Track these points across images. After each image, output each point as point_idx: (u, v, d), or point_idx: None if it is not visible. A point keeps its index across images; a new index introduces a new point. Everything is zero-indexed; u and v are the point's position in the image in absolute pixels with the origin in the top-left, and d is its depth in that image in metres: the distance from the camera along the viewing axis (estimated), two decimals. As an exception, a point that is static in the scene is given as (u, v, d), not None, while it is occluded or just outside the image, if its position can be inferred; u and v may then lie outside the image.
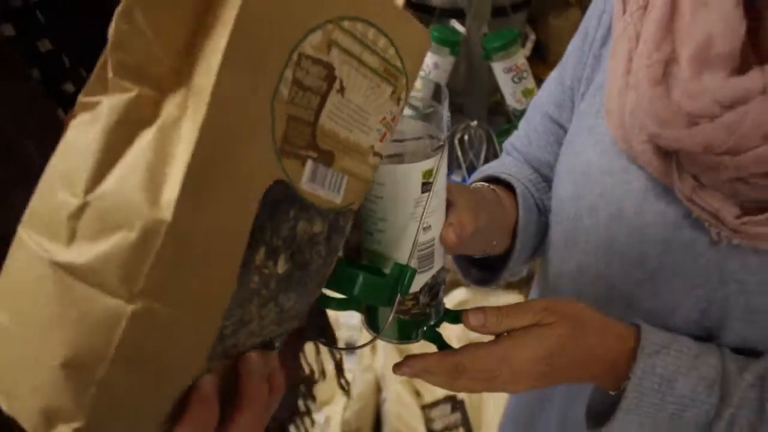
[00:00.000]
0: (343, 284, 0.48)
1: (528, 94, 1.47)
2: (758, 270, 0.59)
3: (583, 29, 0.76)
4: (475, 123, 1.56)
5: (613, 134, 0.66)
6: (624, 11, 0.66)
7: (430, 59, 1.47)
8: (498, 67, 1.47)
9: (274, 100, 0.34)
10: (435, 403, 1.57)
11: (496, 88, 1.54)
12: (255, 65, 0.32)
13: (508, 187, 0.76)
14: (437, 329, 0.58)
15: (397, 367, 0.55)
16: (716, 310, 0.61)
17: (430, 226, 0.52)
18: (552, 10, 1.64)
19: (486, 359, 0.55)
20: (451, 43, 1.46)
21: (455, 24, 1.51)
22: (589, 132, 0.71)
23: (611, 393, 0.61)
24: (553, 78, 0.82)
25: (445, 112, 0.52)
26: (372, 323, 0.56)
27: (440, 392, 1.57)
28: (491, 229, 0.68)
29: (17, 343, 0.34)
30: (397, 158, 0.49)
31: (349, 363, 1.60)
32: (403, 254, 0.50)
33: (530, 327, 0.56)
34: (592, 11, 0.75)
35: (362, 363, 1.59)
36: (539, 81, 1.45)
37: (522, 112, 1.45)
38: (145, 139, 0.31)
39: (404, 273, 0.49)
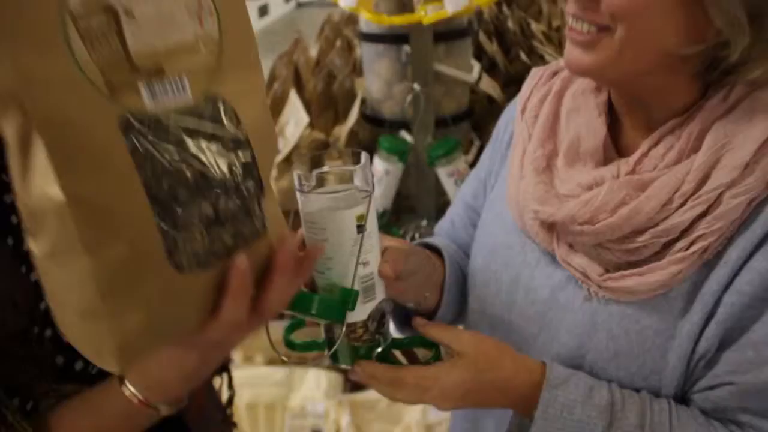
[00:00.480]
0: (304, 305, 0.61)
1: (470, 194, 1.64)
2: (621, 319, 0.72)
3: (494, 133, 0.92)
4: (425, 222, 1.71)
5: (512, 214, 0.81)
6: (522, 118, 0.83)
7: (381, 166, 1.64)
8: (442, 172, 1.64)
9: (77, 64, 0.38)
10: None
11: (443, 190, 1.70)
12: (38, 45, 0.37)
13: (437, 253, 0.89)
14: (388, 353, 0.70)
15: (351, 372, 0.68)
16: (591, 355, 0.74)
17: (368, 261, 0.65)
18: (492, 119, 1.83)
19: (422, 377, 0.68)
20: (400, 151, 1.63)
21: (404, 134, 1.69)
22: (496, 215, 0.86)
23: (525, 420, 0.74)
24: (472, 173, 0.98)
25: (369, 170, 0.65)
26: (333, 356, 0.69)
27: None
28: (423, 279, 0.79)
29: None
30: (335, 208, 0.63)
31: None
32: (348, 284, 0.64)
33: (460, 356, 0.71)
34: (502, 120, 0.91)
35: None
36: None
37: (466, 211, 1.61)
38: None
39: (349, 293, 0.63)
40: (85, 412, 0.70)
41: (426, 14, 1.40)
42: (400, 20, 1.50)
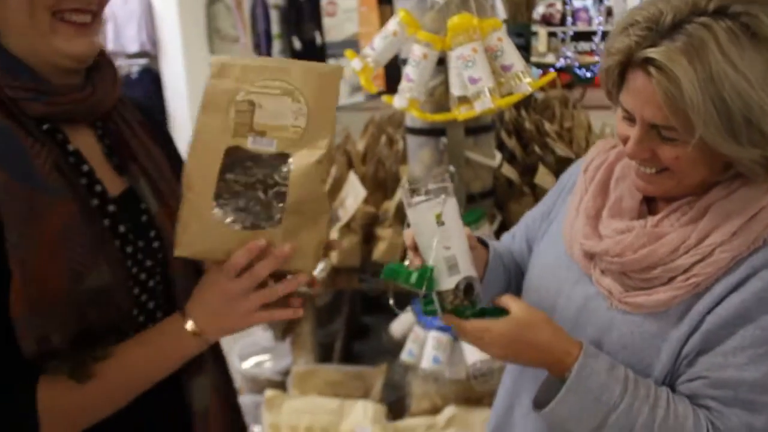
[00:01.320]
0: (397, 275, 0.90)
1: (493, 254, 2.03)
2: (630, 324, 0.92)
3: (560, 180, 1.19)
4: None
5: (564, 243, 1.05)
6: (584, 174, 1.07)
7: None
8: (471, 236, 2.04)
9: (224, 125, 0.78)
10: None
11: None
12: (221, 112, 0.78)
13: (485, 248, 1.13)
14: (479, 316, 0.93)
15: (443, 318, 0.93)
16: (606, 347, 0.94)
17: (449, 246, 0.89)
18: (511, 198, 2.24)
19: (477, 327, 0.91)
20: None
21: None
22: (552, 242, 1.10)
23: (555, 380, 0.90)
24: (538, 206, 1.24)
25: (450, 183, 0.91)
26: (436, 311, 0.95)
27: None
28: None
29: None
30: (421, 210, 0.90)
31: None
32: (429, 262, 0.90)
33: (512, 315, 0.90)
34: (567, 173, 1.18)
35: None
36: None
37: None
38: None
39: (427, 268, 0.89)
40: (143, 344, 0.85)
41: (460, 113, 1.83)
42: (441, 117, 1.93)
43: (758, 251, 0.85)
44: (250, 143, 0.77)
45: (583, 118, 2.76)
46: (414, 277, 0.90)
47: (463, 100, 1.82)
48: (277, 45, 10.74)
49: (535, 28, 10.93)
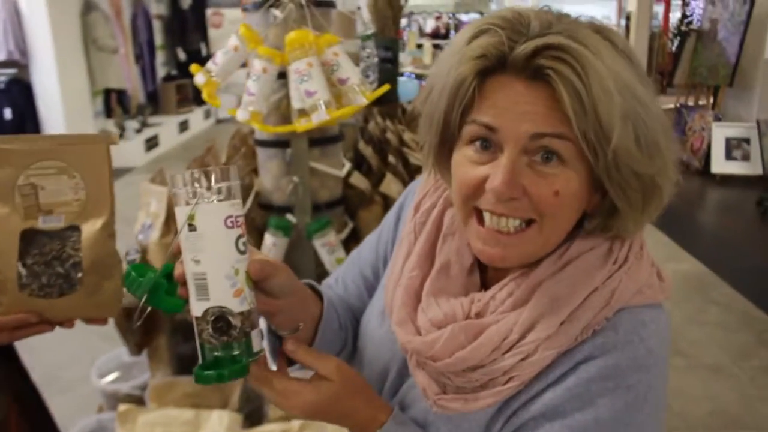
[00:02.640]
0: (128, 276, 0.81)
1: (340, 261, 2.10)
2: (449, 423, 0.81)
3: (397, 208, 1.00)
4: (307, 284, 2.15)
5: (387, 311, 0.88)
6: (413, 216, 0.90)
7: (270, 240, 2.09)
8: (317, 244, 2.11)
9: (13, 210, 0.80)
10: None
11: (320, 260, 2.16)
12: (8, 198, 0.80)
13: (319, 297, 0.96)
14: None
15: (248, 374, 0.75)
16: None
17: (199, 260, 0.71)
18: (361, 206, 2.33)
19: (286, 388, 0.76)
20: (284, 228, 2.09)
21: (289, 216, 2.16)
22: (380, 307, 0.95)
23: None
24: (371, 242, 1.04)
25: (233, 183, 0.72)
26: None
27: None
28: (298, 306, 0.86)
29: None
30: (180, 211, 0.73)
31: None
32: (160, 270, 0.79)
33: (324, 380, 0.77)
34: (402, 198, 1.00)
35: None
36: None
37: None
38: None
39: (140, 270, 0.79)
40: None
41: (300, 124, 1.90)
42: (281, 129, 1.98)
43: (584, 343, 0.74)
44: (41, 223, 0.83)
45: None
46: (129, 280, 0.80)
47: (302, 112, 1.89)
48: (160, 56, 10.55)
49: (422, 41, 11.26)
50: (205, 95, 1.99)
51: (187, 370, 2.41)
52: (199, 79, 1.99)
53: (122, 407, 2.11)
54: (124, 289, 0.82)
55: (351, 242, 2.27)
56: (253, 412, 2.30)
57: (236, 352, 0.73)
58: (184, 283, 0.75)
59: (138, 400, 2.42)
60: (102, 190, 0.85)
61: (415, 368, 0.83)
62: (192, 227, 0.71)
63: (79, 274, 0.83)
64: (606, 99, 0.65)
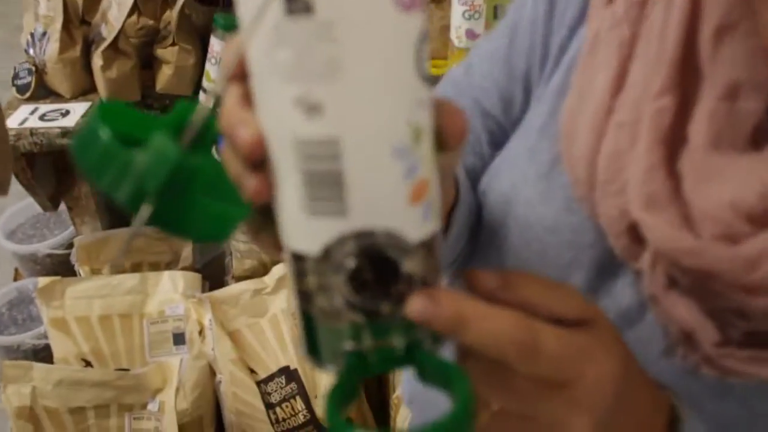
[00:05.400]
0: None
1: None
2: (711, 400, 0.44)
3: None
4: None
5: (572, 183, 0.47)
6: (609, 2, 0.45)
7: (219, 47, 1.53)
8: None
9: None
10: (270, 377, 1.62)
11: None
12: None
13: None
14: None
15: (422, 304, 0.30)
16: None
17: (322, 104, 0.27)
18: None
19: (569, 344, 0.32)
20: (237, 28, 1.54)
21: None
22: (530, 157, 0.51)
23: None
24: (491, 54, 0.58)
25: None
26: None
27: (274, 366, 1.62)
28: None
29: None
30: None
31: (179, 352, 1.62)
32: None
33: (585, 322, 0.34)
34: None
35: (192, 351, 1.60)
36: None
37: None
38: None
39: (188, 109, 0.31)
40: None
41: None
42: None
43: None
44: None
45: None
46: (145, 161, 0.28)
47: None
48: None
49: None
50: None
51: (120, 222, 1.92)
52: None
53: (42, 281, 1.63)
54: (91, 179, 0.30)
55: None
56: (209, 264, 1.90)
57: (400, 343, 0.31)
58: (256, 169, 0.30)
59: (63, 263, 1.94)
60: None
61: (664, 293, 0.41)
62: (298, 4, 0.25)
63: None
64: None
